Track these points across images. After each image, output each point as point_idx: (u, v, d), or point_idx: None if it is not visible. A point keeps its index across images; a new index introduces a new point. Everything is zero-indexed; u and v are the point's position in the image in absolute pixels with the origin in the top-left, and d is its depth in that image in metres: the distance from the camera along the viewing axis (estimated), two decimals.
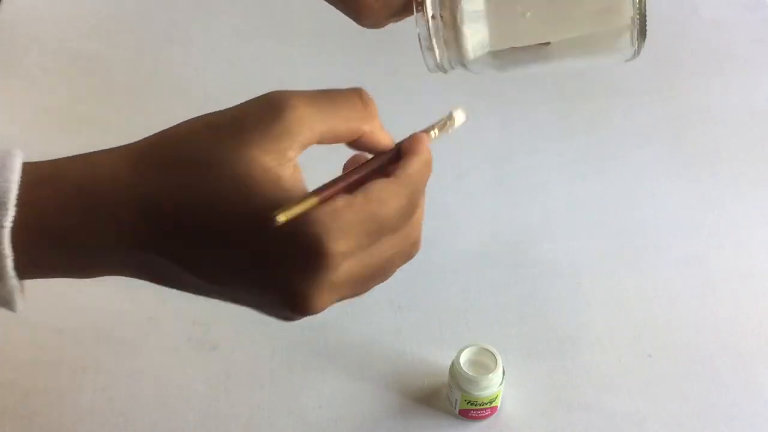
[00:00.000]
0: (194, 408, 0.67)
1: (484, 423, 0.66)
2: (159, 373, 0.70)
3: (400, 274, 0.81)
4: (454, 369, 0.65)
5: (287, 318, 0.41)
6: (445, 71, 0.49)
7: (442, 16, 0.46)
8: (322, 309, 0.39)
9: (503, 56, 0.48)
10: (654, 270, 0.78)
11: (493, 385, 0.64)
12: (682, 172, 0.88)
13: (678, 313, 0.75)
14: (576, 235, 0.82)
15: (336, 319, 0.74)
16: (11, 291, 0.39)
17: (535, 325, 0.74)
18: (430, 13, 0.45)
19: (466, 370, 0.64)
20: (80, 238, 0.39)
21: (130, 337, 0.72)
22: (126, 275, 0.42)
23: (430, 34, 0.46)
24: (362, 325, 0.73)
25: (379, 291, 0.75)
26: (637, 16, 0.45)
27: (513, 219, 0.83)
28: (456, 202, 0.85)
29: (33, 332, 0.72)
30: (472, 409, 0.65)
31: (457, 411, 0.66)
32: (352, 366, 0.70)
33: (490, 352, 0.65)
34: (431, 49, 0.47)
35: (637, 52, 0.47)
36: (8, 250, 0.37)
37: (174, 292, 0.78)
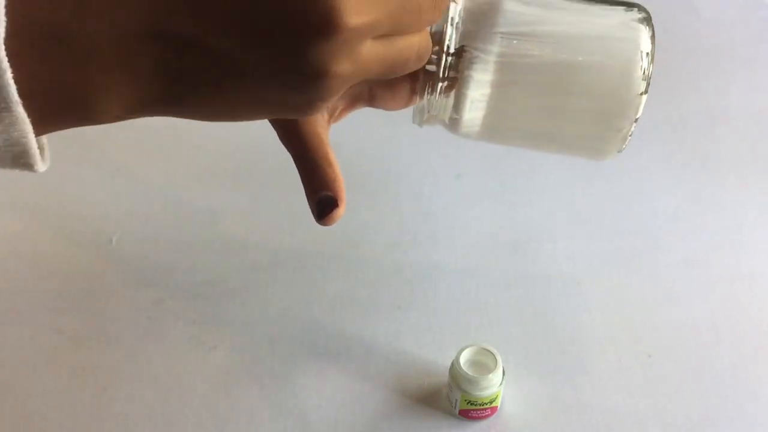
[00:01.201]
0: (194, 408, 0.67)
1: (484, 423, 0.66)
2: (159, 373, 0.70)
3: (401, 274, 0.81)
4: (454, 369, 0.65)
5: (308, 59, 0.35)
6: (423, 124, 0.50)
7: (446, 88, 0.46)
8: (353, 24, 0.35)
9: (489, 133, 0.49)
10: (654, 270, 0.78)
11: (493, 385, 0.64)
12: (682, 173, 0.88)
13: (678, 313, 0.75)
14: (576, 235, 0.82)
15: (336, 319, 0.74)
16: (23, 129, 0.34)
17: (535, 325, 0.74)
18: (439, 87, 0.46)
19: (466, 370, 0.64)
20: (73, 27, 0.34)
21: (130, 337, 0.72)
22: (134, 96, 0.37)
23: (434, 98, 0.47)
24: (362, 325, 0.73)
25: (378, 291, 0.76)
26: (633, 124, 0.47)
27: (513, 219, 0.83)
28: (456, 202, 0.85)
29: (33, 332, 0.72)
30: (472, 409, 0.65)
31: (457, 411, 0.66)
32: (352, 366, 0.70)
33: (490, 352, 0.65)
34: (426, 110, 0.48)
35: (619, 152, 0.50)
36: (5, 63, 0.32)
37: (174, 292, 0.79)
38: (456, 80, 0.45)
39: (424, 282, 0.77)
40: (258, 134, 0.82)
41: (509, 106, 0.47)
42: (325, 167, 0.47)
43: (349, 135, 0.93)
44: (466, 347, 0.66)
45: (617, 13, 0.47)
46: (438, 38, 0.45)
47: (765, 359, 0.71)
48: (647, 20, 0.46)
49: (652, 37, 0.46)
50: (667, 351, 0.72)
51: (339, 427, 0.66)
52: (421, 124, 0.49)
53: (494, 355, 0.65)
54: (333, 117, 0.50)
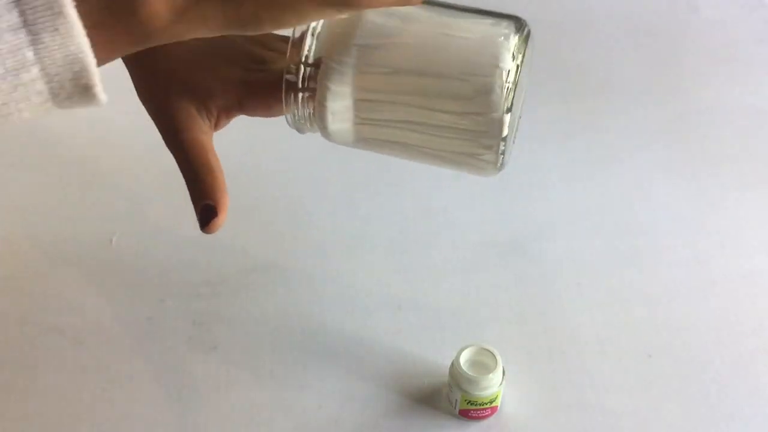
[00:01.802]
0: (194, 408, 0.67)
1: (484, 423, 0.66)
2: (159, 373, 0.70)
3: (401, 274, 0.81)
4: (454, 369, 0.65)
5: None
6: (302, 132, 0.50)
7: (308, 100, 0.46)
8: None
9: (363, 143, 0.49)
10: (654, 270, 0.78)
11: (493, 385, 0.65)
12: (683, 172, 0.88)
13: (678, 313, 0.75)
14: (576, 235, 0.82)
15: (336, 319, 0.74)
16: (80, 42, 0.34)
17: (535, 325, 0.74)
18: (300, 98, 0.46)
19: (466, 370, 0.64)
20: None
21: (130, 337, 0.72)
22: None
23: (298, 108, 0.47)
24: (362, 325, 0.73)
25: (378, 291, 0.76)
26: (501, 142, 0.45)
27: (513, 219, 0.83)
28: (456, 202, 0.85)
29: (33, 332, 0.72)
30: (472, 409, 0.65)
31: (457, 411, 0.66)
32: (352, 366, 0.70)
33: (490, 352, 0.65)
34: (297, 119, 0.48)
35: (500, 169, 0.47)
36: None
37: (174, 292, 0.79)
38: (316, 91, 0.46)
39: (424, 282, 0.77)
40: (257, 134, 0.82)
41: (373, 118, 0.46)
42: (204, 175, 0.47)
43: None
44: (466, 347, 0.66)
45: (483, 27, 0.45)
46: (299, 48, 0.45)
47: (765, 359, 0.71)
48: (518, 32, 0.45)
49: (523, 50, 0.44)
50: (667, 351, 0.72)
51: (339, 427, 0.66)
52: (299, 130, 0.49)
53: (494, 355, 0.65)
54: (212, 124, 0.50)
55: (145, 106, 0.50)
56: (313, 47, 0.45)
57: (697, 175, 0.88)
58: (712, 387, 0.69)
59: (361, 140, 0.48)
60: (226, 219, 0.47)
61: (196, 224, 0.86)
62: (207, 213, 0.47)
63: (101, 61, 0.36)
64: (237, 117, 0.51)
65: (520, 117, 0.47)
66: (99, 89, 0.36)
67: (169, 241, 0.80)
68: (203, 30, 0.38)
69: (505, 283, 0.77)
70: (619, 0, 1.12)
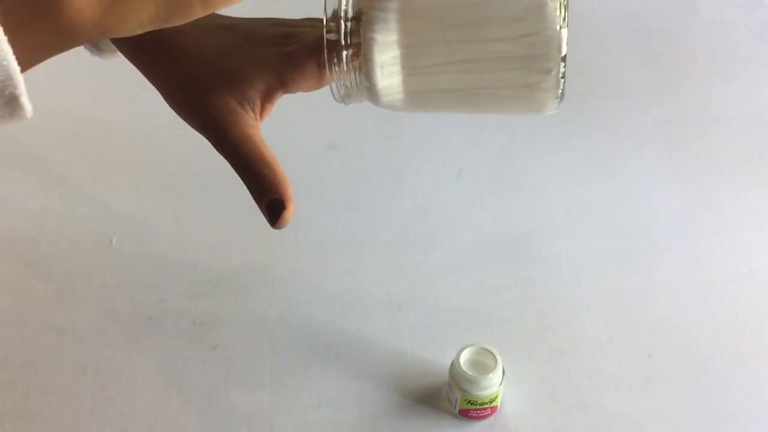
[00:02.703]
0: (194, 408, 0.67)
1: (484, 423, 0.66)
2: (159, 373, 0.70)
3: (401, 274, 0.81)
4: (454, 369, 0.65)
5: None
6: (348, 102, 0.47)
7: (353, 63, 0.44)
8: None
9: (415, 100, 0.46)
10: (654, 270, 0.78)
11: (493, 385, 0.65)
12: (682, 173, 0.88)
13: (678, 313, 0.75)
14: (576, 235, 0.82)
15: (336, 319, 0.74)
16: (3, 53, 0.31)
17: (535, 325, 0.74)
18: (345, 64, 0.44)
19: (466, 370, 0.64)
20: None
21: (130, 337, 0.72)
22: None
23: (343, 73, 0.45)
24: (362, 325, 0.73)
25: (378, 291, 0.76)
26: (561, 63, 0.42)
27: (513, 219, 0.83)
28: (456, 202, 0.85)
29: (33, 332, 0.72)
30: (472, 409, 0.65)
31: (457, 411, 0.66)
32: (352, 366, 0.70)
33: (490, 352, 0.65)
34: (343, 84, 0.46)
35: (560, 100, 0.44)
36: None
37: (174, 292, 0.79)
38: (360, 46, 0.43)
39: (424, 282, 0.77)
40: None
41: (423, 65, 0.44)
42: (261, 170, 0.45)
43: (348, 134, 0.94)
44: (466, 347, 0.66)
45: None
46: (336, 5, 0.43)
47: (764, 359, 0.71)
48: None
49: None
50: (667, 351, 0.72)
51: (339, 427, 0.66)
52: (343, 100, 0.47)
53: (494, 355, 0.65)
54: (257, 113, 0.47)
55: (179, 114, 0.47)
56: (351, 1, 0.43)
57: (697, 175, 0.88)
58: (712, 387, 0.69)
59: (413, 96, 0.45)
60: (294, 210, 0.45)
61: (196, 225, 0.86)
62: (275, 208, 0.45)
63: (27, 66, 0.34)
64: (280, 99, 0.48)
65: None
66: (24, 99, 0.34)
67: (169, 241, 0.80)
68: (134, 23, 0.35)
69: (505, 283, 0.77)
70: (619, 0, 1.12)
